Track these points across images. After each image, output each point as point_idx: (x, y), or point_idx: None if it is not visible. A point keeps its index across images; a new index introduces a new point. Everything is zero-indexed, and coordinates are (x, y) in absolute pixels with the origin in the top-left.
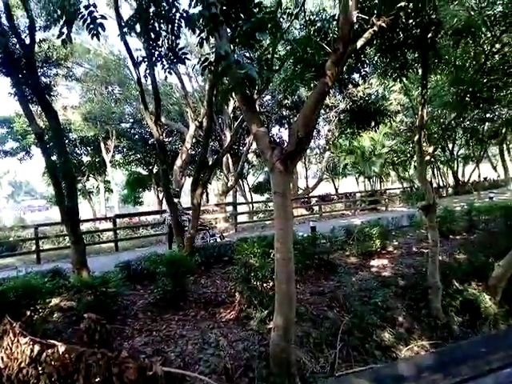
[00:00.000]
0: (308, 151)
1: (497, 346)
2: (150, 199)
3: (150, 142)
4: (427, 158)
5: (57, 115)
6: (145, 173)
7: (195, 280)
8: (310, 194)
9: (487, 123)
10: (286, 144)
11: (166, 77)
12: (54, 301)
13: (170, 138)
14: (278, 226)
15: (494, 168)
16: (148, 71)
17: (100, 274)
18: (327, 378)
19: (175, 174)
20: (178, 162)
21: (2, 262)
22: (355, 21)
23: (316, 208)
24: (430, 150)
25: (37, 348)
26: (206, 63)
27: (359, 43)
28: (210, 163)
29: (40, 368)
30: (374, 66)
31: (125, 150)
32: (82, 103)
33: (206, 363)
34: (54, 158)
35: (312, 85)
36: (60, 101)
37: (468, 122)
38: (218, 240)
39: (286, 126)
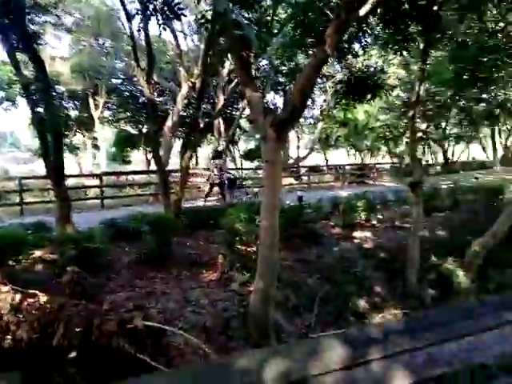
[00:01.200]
0: (302, 120)
1: (461, 316)
2: (138, 158)
3: (140, 100)
4: (419, 134)
5: (44, 65)
6: (134, 132)
7: (181, 241)
8: (300, 164)
9: (482, 104)
10: (279, 111)
11: (160, 33)
12: (37, 253)
13: (162, 98)
14: (266, 194)
15: (484, 149)
16: (142, 25)
17: (85, 230)
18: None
19: (165, 135)
20: (169, 123)
21: None
22: None
23: (305, 178)
24: (423, 126)
25: (18, 296)
26: (203, 20)
27: (363, 11)
28: (202, 126)
29: (21, 316)
30: (376, 36)
31: (114, 106)
32: (71, 55)
33: (185, 320)
34: (40, 109)
35: (311, 52)
36: (48, 50)
37: (463, 102)
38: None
39: (281, 93)
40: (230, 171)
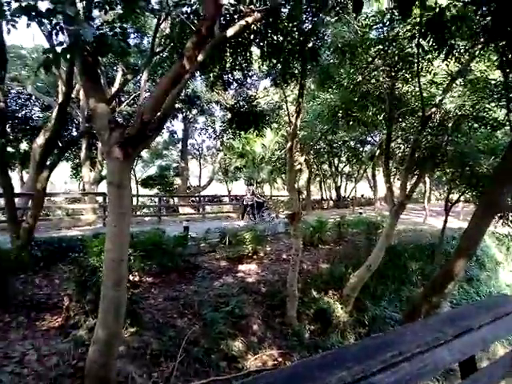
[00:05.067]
0: (205, 150)
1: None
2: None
3: (18, 114)
4: (298, 167)
5: None
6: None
7: (28, 279)
8: (202, 194)
9: (368, 145)
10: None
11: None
12: None
13: (44, 114)
14: (111, 222)
15: (371, 187)
16: None
17: None
18: None
19: (34, 153)
20: (39, 141)
21: None
22: (224, 3)
23: (205, 208)
24: (302, 159)
25: None
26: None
27: (230, 32)
28: (61, 145)
29: None
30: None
31: None
32: None
33: None
34: None
35: None
36: None
37: (352, 143)
38: (276, 221)
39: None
40: (260, 196)
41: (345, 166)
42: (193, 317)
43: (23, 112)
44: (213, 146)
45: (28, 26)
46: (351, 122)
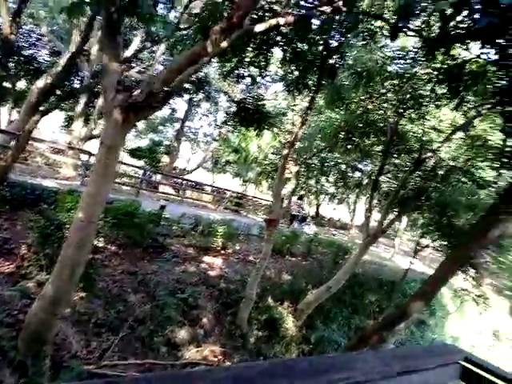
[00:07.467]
0: (201, 136)
1: None
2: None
3: (24, 52)
4: (289, 175)
5: None
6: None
7: None
8: (185, 177)
9: (357, 172)
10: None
11: None
12: None
13: (51, 58)
14: (91, 183)
15: (349, 213)
16: None
17: None
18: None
19: (31, 95)
20: (40, 83)
21: None
22: None
23: (185, 192)
24: (294, 169)
25: None
26: None
27: (259, 27)
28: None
29: None
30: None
31: None
32: None
33: None
34: None
35: None
36: None
37: (344, 166)
38: (309, 227)
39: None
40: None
41: (330, 186)
42: (146, 296)
43: (30, 51)
44: (209, 134)
45: None
46: (349, 146)
